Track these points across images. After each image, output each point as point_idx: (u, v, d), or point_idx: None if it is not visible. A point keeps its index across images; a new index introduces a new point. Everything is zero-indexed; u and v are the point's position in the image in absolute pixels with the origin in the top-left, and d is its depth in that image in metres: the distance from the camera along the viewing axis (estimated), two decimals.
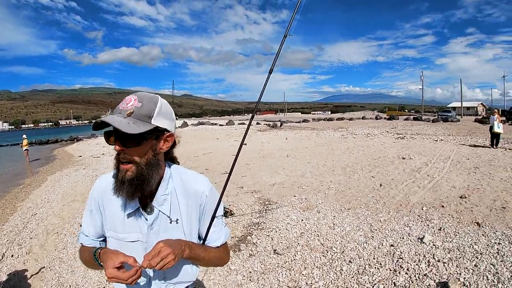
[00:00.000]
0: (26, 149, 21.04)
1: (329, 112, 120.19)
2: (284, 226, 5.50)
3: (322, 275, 3.81)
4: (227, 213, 6.02)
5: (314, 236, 5.00)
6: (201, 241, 1.41)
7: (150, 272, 1.33)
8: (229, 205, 6.59)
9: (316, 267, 4.02)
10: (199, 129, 37.20)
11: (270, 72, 1.47)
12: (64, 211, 7.90)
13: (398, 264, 3.82)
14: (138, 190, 1.20)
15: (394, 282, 3.46)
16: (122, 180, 1.18)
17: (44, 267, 5.07)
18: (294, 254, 4.42)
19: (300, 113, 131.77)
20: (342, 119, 48.09)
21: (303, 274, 3.88)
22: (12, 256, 5.65)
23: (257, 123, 44.31)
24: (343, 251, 4.35)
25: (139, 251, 1.27)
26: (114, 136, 1.16)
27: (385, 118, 43.63)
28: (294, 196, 7.35)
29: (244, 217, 6.14)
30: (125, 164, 1.18)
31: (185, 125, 44.16)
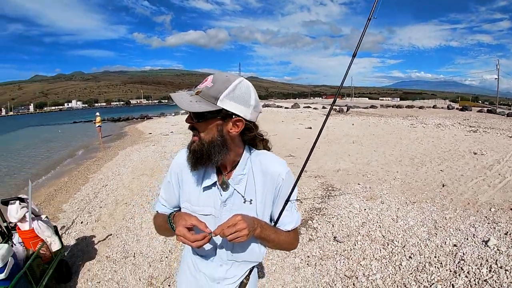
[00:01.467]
0: (99, 126, 22.81)
1: (398, 99, 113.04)
2: (346, 214, 5.49)
3: (381, 267, 3.85)
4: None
5: (376, 227, 4.95)
6: (273, 224, 1.46)
7: (219, 244, 1.43)
8: None
9: (375, 259, 4.06)
10: (265, 111, 37.41)
11: (354, 55, 1.43)
12: (133, 184, 8.39)
13: (459, 266, 3.74)
14: (198, 163, 1.30)
15: (452, 284, 3.42)
16: (189, 149, 1.33)
17: (111, 235, 5.47)
18: (354, 243, 4.49)
19: (367, 99, 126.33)
20: (411, 107, 45.22)
21: (361, 265, 3.93)
22: (81, 222, 6.17)
23: (323, 107, 43.49)
24: (404, 246, 4.34)
25: (211, 224, 1.32)
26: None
27: (457, 108, 40.15)
28: (358, 184, 7.16)
29: (306, 201, 6.19)
30: (194, 136, 1.31)
31: None
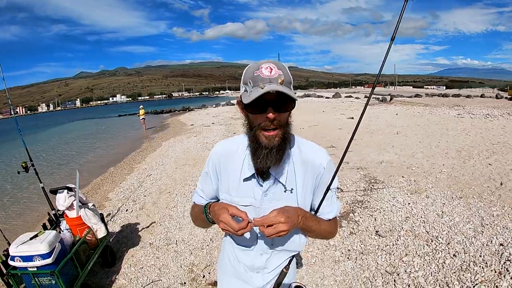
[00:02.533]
0: (143, 118, 23.53)
1: (444, 87, 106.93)
2: (389, 208, 5.28)
3: (423, 265, 3.70)
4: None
5: (420, 223, 4.72)
6: (313, 213, 1.44)
7: (260, 233, 1.40)
8: None
9: (418, 255, 3.90)
10: (305, 101, 37.01)
11: (392, 39, 1.32)
12: (176, 174, 8.53)
13: (504, 267, 3.50)
14: (283, 154, 1.27)
15: (496, 286, 3.24)
16: (271, 147, 1.23)
17: (154, 222, 5.61)
18: (396, 238, 4.33)
19: (411, 87, 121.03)
20: (458, 95, 42.46)
21: (403, 261, 3.80)
22: (126, 210, 6.38)
23: (365, 96, 42.21)
24: (448, 243, 4.11)
25: (251, 215, 1.30)
26: (262, 105, 1.18)
27: (506, 97, 37.28)
28: (403, 177, 6.82)
29: (348, 194, 6.02)
30: (271, 131, 1.22)
31: None
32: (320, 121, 17.34)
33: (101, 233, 4.14)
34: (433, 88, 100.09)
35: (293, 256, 1.52)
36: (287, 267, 1.46)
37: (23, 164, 4.36)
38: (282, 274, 1.45)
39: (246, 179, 1.38)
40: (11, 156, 16.94)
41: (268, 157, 1.23)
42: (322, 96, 47.46)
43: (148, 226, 5.43)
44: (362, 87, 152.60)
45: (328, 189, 1.35)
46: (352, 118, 17.63)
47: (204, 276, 3.84)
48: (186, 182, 7.60)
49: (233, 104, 40.93)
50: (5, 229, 4.23)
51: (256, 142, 1.25)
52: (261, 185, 1.36)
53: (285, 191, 1.36)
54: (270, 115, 1.18)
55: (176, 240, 4.80)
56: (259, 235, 1.43)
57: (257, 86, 1.15)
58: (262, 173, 1.36)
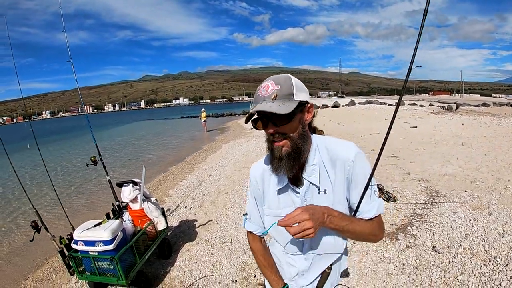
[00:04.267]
0: (204, 121, 24.19)
1: None
2: (448, 223, 4.97)
3: (478, 285, 3.50)
4: (390, 199, 5.85)
5: (480, 241, 4.38)
6: (353, 213, 1.43)
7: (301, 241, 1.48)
8: (393, 191, 6.23)
9: (474, 275, 3.68)
10: (367, 108, 35.81)
11: (425, 15, 1.20)
12: (235, 175, 8.67)
13: None
14: (296, 162, 1.32)
15: None
16: (280, 157, 1.30)
17: (211, 220, 5.77)
18: (453, 255, 4.08)
19: (478, 95, 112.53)
20: None
21: (458, 280, 3.63)
22: (185, 207, 6.65)
23: (430, 104, 39.98)
24: (507, 264, 3.79)
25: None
26: (261, 121, 1.30)
27: None
28: (465, 191, 6.31)
29: (407, 206, 5.73)
30: (279, 141, 1.30)
31: (352, 103, 42.95)
32: (382, 129, 16.75)
33: (161, 226, 4.34)
34: (501, 97, 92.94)
35: (337, 259, 1.55)
36: (329, 267, 1.52)
37: (92, 158, 4.69)
38: (325, 274, 1.52)
39: (280, 190, 1.44)
40: (80, 150, 18.32)
41: (279, 166, 1.31)
42: (384, 103, 45.87)
43: (205, 224, 5.60)
44: (426, 94, 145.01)
45: (366, 186, 1.35)
46: (416, 127, 16.81)
47: (255, 276, 3.88)
48: (244, 184, 7.68)
49: None
50: (69, 215, 4.52)
51: (270, 153, 1.35)
52: (298, 192, 1.41)
53: (319, 193, 1.40)
54: (270, 130, 1.29)
55: (231, 239, 4.89)
56: (300, 240, 1.46)
57: (255, 105, 1.29)
58: (296, 180, 1.41)
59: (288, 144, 1.29)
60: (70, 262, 3.72)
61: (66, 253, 3.74)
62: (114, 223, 3.66)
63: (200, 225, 5.58)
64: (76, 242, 3.59)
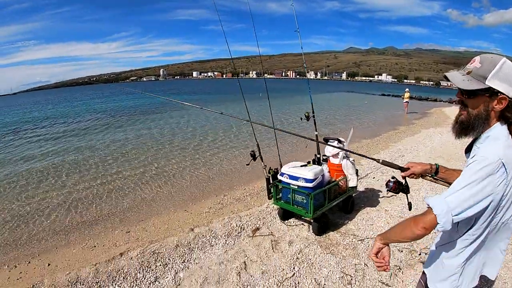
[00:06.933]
0: (406, 101, 23.31)
1: None
2: None
3: None
4: None
5: None
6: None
7: None
8: None
9: None
10: None
11: None
12: (429, 161, 8.50)
13: None
14: (462, 133, 1.52)
15: None
16: (456, 121, 1.55)
17: (395, 195, 5.90)
18: None
19: None
20: None
21: None
22: (373, 178, 7.24)
23: None
24: None
25: None
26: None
27: None
28: None
29: None
30: (461, 110, 1.53)
31: None
32: None
33: (352, 183, 4.99)
34: None
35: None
36: None
37: (306, 114, 5.56)
38: None
39: None
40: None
41: (453, 127, 1.56)
42: None
43: (388, 196, 5.91)
44: None
45: (458, 182, 1.37)
46: None
47: (420, 254, 4.03)
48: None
49: None
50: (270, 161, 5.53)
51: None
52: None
53: None
54: (457, 97, 1.53)
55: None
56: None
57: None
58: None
59: (465, 115, 1.49)
60: (271, 189, 4.75)
61: (271, 181, 4.78)
62: (318, 167, 4.52)
63: (384, 197, 5.93)
64: (282, 174, 4.58)
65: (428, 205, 1.40)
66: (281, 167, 4.78)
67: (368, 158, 2.40)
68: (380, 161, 2.20)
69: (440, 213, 1.33)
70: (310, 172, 4.29)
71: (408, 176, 2.05)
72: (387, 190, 2.09)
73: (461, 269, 1.55)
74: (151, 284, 3.70)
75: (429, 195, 1.72)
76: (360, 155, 2.55)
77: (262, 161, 4.92)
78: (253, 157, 4.85)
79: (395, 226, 1.59)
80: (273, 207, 5.37)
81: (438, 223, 1.35)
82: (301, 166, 4.59)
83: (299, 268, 3.82)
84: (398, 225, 1.58)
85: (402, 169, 2.05)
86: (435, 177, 2.01)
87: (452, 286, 1.58)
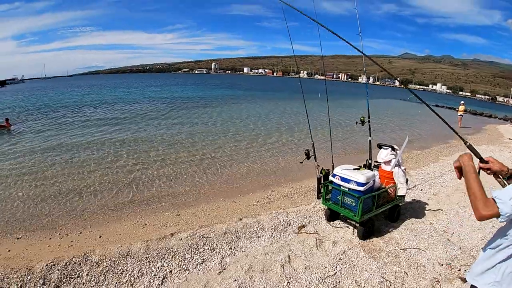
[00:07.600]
0: (460, 115, 22.60)
1: None
2: None
3: None
4: None
5: None
6: None
7: None
8: None
9: None
10: None
11: None
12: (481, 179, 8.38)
13: None
14: None
15: None
16: None
17: (441, 210, 6.11)
18: None
19: None
20: None
21: None
22: (421, 190, 7.20)
23: None
24: None
25: None
26: None
27: None
28: None
29: None
30: None
31: None
32: None
33: (401, 192, 5.13)
34: None
35: None
36: None
37: (362, 118, 5.73)
38: None
39: None
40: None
41: None
42: None
43: (434, 210, 5.98)
44: None
45: None
46: None
47: (459, 270, 4.07)
48: (485, 189, 7.48)
49: None
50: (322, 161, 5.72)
51: None
52: None
53: None
54: None
55: (453, 233, 5.13)
56: None
57: None
58: None
59: None
60: (322, 189, 4.97)
61: (322, 181, 4.98)
62: (370, 172, 4.71)
63: (430, 210, 6.00)
64: (334, 175, 4.80)
65: (493, 196, 1.62)
66: (333, 168, 4.99)
67: (458, 135, 2.44)
68: (468, 144, 2.20)
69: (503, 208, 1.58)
70: (362, 176, 4.47)
71: (484, 170, 2.05)
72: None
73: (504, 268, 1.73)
74: (198, 265, 4.04)
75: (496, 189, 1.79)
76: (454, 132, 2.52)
77: (316, 161, 5.14)
78: (307, 156, 5.09)
79: (475, 180, 1.80)
80: (320, 207, 5.58)
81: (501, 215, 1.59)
82: (354, 169, 4.77)
83: (341, 268, 4.03)
84: (476, 183, 1.79)
85: (482, 161, 2.05)
86: (507, 180, 1.99)
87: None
